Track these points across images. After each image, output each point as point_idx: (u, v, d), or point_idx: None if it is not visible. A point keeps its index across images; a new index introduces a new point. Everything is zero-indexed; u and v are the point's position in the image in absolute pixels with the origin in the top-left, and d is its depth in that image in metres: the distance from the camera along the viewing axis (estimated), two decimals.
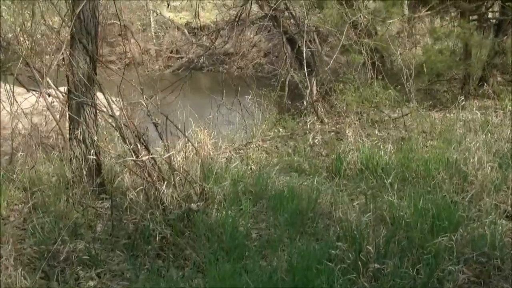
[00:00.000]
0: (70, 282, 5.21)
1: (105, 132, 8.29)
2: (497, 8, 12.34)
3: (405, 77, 10.09)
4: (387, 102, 10.41)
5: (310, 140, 9.42)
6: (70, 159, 7.14)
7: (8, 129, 8.83)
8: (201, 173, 7.06)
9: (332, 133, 9.88)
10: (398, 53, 10.61)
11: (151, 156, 6.27)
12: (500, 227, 5.98)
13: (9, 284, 4.87)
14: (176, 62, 24.52)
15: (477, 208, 6.53)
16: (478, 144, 7.83)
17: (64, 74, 7.30)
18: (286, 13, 13.12)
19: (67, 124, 7.55)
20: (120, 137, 6.73)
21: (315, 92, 10.71)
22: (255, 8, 15.11)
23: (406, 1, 12.03)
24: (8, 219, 6.60)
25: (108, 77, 8.78)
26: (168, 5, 27.70)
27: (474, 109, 10.26)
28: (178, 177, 6.59)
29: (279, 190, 7.19)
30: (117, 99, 14.74)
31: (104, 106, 6.99)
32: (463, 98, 10.36)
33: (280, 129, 10.51)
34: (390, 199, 6.47)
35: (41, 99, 7.67)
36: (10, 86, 8.13)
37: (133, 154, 6.36)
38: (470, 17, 11.95)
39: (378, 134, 9.08)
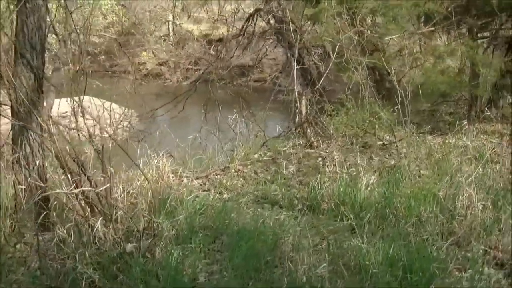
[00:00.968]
0: None
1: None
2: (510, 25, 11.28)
3: (400, 98, 9.06)
4: (382, 125, 9.42)
5: (291, 167, 8.48)
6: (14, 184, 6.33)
7: None
8: (151, 206, 6.21)
9: (319, 159, 8.91)
10: (393, 72, 9.58)
11: (81, 189, 5.41)
12: (487, 278, 5.05)
13: None
14: (194, 73, 23.89)
15: (462, 253, 5.57)
16: (471, 178, 6.82)
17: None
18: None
19: None
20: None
21: (304, 112, 9.77)
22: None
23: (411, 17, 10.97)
24: None
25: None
26: (189, 16, 27.18)
27: (477, 134, 9.28)
28: (121, 211, 5.74)
29: (242, 226, 6.31)
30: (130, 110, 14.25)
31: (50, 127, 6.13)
32: (465, 122, 9.38)
33: (266, 152, 9.58)
34: (359, 243, 5.53)
35: None
36: None
37: (67, 183, 5.53)
38: (479, 35, 10.89)
39: (362, 162, 8.06)
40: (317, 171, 8.07)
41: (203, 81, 15.53)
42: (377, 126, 9.44)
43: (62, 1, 9.95)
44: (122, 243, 5.41)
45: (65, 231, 5.43)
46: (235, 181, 8.28)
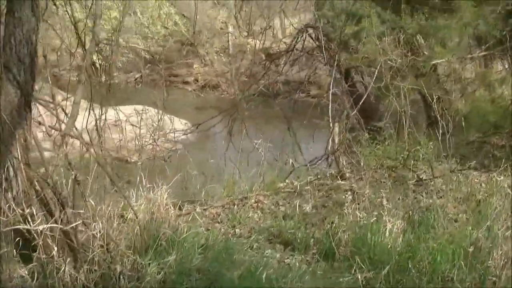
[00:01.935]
0: None
1: None
2: None
3: (443, 129, 8.02)
4: (420, 158, 8.41)
5: (315, 201, 7.56)
6: None
7: None
8: (139, 245, 5.41)
9: (348, 193, 7.95)
10: (435, 99, 8.52)
11: (47, 225, 4.63)
12: None
13: None
14: (252, 86, 23.15)
15: None
16: (510, 231, 5.78)
17: None
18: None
19: None
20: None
21: (337, 139, 8.82)
22: None
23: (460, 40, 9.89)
24: None
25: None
26: (248, 30, 26.63)
27: None
28: (99, 250, 4.96)
29: (244, 270, 5.47)
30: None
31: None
32: None
33: (293, 182, 8.67)
34: None
35: None
36: None
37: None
38: None
39: (392, 201, 7.06)
40: (341, 208, 7.13)
41: (259, 94, 14.76)
42: (414, 159, 8.43)
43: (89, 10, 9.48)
44: None
45: (26, 272, 4.68)
46: (252, 214, 7.41)
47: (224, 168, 8.89)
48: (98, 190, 5.92)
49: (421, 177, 8.31)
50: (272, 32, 21.85)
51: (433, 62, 9.43)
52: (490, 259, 5.43)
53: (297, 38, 13.62)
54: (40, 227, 4.57)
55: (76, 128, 9.74)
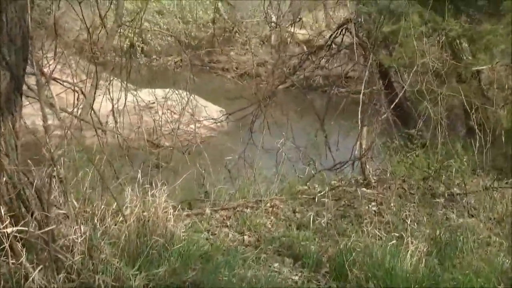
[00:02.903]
0: None
1: None
2: None
3: (478, 141, 7.22)
4: (454, 171, 7.61)
5: (335, 210, 6.83)
6: None
7: None
8: (126, 252, 4.75)
9: (372, 204, 7.20)
10: (473, 109, 7.69)
11: (15, 228, 3.99)
12: None
13: None
14: (286, 79, 22.45)
15: None
16: None
17: None
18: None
19: None
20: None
21: (364, 145, 8.04)
22: None
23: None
24: None
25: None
26: (294, 20, 25.82)
27: None
28: (79, 257, 4.32)
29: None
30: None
31: None
32: None
33: (315, 186, 7.95)
34: None
35: None
36: None
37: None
38: None
39: (412, 222, 6.30)
40: (361, 222, 6.41)
41: (295, 87, 14.10)
42: (447, 172, 7.63)
43: None
44: None
45: None
46: (265, 220, 6.71)
47: (242, 166, 8.14)
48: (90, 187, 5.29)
49: (452, 191, 7.51)
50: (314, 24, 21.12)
51: (476, 69, 8.60)
52: None
53: (336, 33, 12.91)
54: (8, 230, 3.93)
55: (94, 112, 9.27)
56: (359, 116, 7.91)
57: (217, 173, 8.11)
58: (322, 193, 7.36)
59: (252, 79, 23.42)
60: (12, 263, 4.04)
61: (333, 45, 13.19)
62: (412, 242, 5.47)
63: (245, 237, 6.28)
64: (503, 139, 7.89)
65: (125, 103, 9.19)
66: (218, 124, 12.96)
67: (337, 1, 14.48)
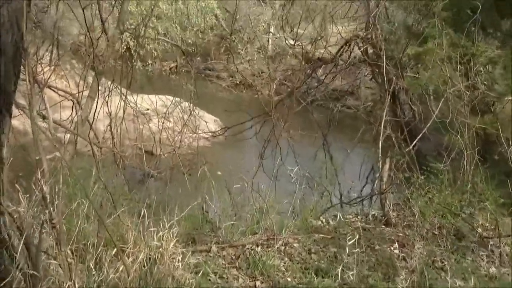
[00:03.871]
0: None
1: None
2: None
3: None
4: (485, 211, 6.87)
5: (355, 252, 6.03)
6: None
7: None
8: None
9: (395, 246, 6.42)
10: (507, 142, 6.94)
11: None
12: None
13: None
14: (287, 90, 21.77)
15: None
16: None
17: None
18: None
19: None
20: None
21: (386, 178, 7.27)
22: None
23: None
24: None
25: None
26: (291, 30, 25.17)
27: None
28: None
29: None
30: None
31: None
32: None
33: (328, 221, 7.17)
34: None
35: None
36: None
37: None
38: None
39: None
40: (387, 268, 5.64)
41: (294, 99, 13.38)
42: (477, 212, 6.89)
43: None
44: None
45: None
46: (278, 261, 5.92)
47: (251, 196, 7.30)
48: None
49: (483, 235, 6.75)
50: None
51: (508, 99, 7.85)
52: None
53: (344, 49, 12.19)
54: None
55: (90, 124, 8.47)
56: (379, 148, 7.15)
57: (222, 199, 7.29)
58: (338, 231, 6.60)
59: (248, 88, 22.92)
60: None
61: (340, 61, 12.50)
62: None
63: (257, 282, 5.50)
64: None
65: (123, 117, 8.39)
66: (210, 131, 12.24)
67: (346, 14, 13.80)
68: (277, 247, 6.17)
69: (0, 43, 4.05)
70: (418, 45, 7.83)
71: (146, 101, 11.07)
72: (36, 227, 3.70)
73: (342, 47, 12.05)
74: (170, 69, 23.45)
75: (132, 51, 18.55)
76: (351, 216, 7.40)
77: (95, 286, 4.03)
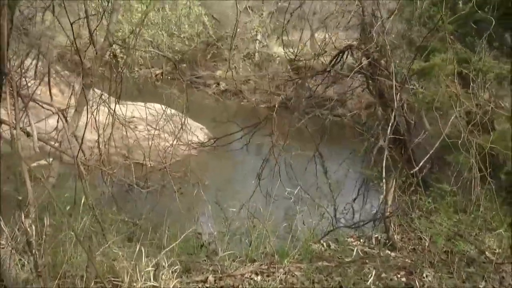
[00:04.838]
0: None
1: None
2: None
3: None
4: (495, 234, 6.45)
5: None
6: None
7: None
8: None
9: (402, 273, 5.97)
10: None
11: None
12: None
13: None
14: (274, 98, 21.35)
15: None
16: None
17: None
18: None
19: None
20: None
21: (390, 201, 6.80)
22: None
23: None
24: None
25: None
26: (278, 38, 24.78)
27: None
28: None
29: None
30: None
31: None
32: None
33: (330, 245, 6.71)
34: None
35: None
36: None
37: None
38: None
39: None
40: None
41: (281, 106, 12.98)
42: (488, 236, 6.47)
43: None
44: None
45: None
46: None
47: (248, 217, 6.80)
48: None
49: (494, 260, 6.30)
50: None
51: None
52: None
53: (337, 58, 11.80)
54: None
55: (77, 139, 7.95)
56: (383, 168, 6.68)
57: (217, 221, 6.82)
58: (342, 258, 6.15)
59: (235, 96, 22.51)
60: None
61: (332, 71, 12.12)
62: None
63: None
64: None
65: (111, 132, 7.87)
66: (199, 141, 11.79)
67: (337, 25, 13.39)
68: (278, 276, 5.70)
69: None
70: (423, 59, 7.39)
71: (134, 110, 10.52)
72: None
73: (335, 57, 11.68)
74: (155, 76, 22.98)
75: (119, 58, 18.01)
76: (352, 239, 6.95)
77: None
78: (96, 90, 7.82)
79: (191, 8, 21.20)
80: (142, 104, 10.19)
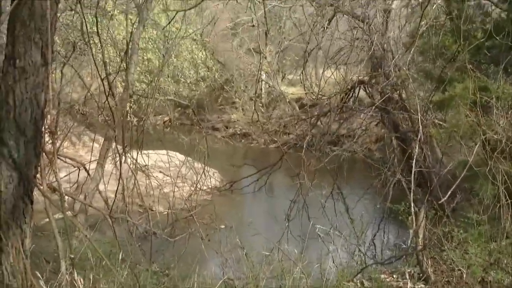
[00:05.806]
0: None
1: None
2: None
3: None
4: None
5: None
6: None
7: None
8: None
9: None
10: None
11: None
12: None
13: None
14: (283, 137, 21.31)
15: None
16: None
17: None
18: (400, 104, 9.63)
19: None
20: None
21: (422, 234, 6.69)
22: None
23: None
24: None
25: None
26: (283, 78, 24.87)
27: None
28: None
29: None
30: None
31: None
32: None
33: (363, 283, 6.57)
34: None
35: None
36: None
37: None
38: None
39: None
40: None
41: (291, 146, 13.10)
42: None
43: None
44: None
45: None
46: None
47: (280, 260, 6.68)
48: None
49: None
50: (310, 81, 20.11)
51: None
52: None
53: (348, 95, 11.81)
54: None
55: (100, 193, 7.95)
56: (411, 201, 6.60)
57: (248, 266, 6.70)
58: (391, 281, 6.04)
59: (244, 138, 22.47)
60: None
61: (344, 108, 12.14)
62: None
63: None
64: None
65: (135, 183, 7.83)
66: (213, 187, 11.86)
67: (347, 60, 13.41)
68: None
69: (18, 122, 3.56)
70: (441, 91, 7.36)
71: (152, 158, 10.53)
72: None
73: (346, 93, 11.68)
74: (164, 122, 22.99)
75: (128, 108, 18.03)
76: (385, 276, 6.82)
77: None
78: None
79: (195, 52, 21.25)
80: (164, 152, 10.21)
